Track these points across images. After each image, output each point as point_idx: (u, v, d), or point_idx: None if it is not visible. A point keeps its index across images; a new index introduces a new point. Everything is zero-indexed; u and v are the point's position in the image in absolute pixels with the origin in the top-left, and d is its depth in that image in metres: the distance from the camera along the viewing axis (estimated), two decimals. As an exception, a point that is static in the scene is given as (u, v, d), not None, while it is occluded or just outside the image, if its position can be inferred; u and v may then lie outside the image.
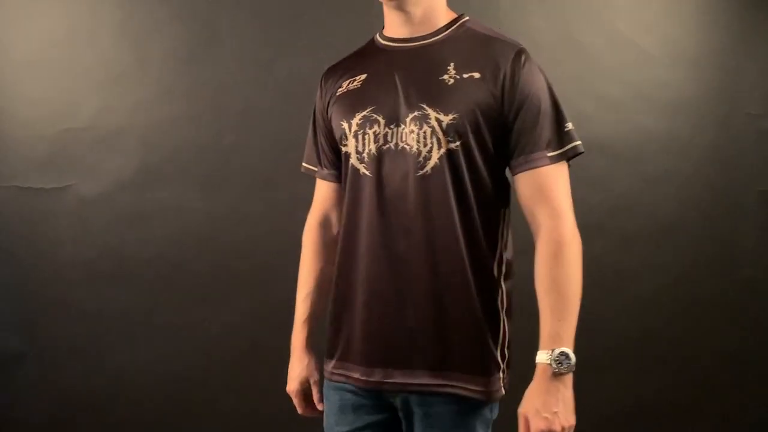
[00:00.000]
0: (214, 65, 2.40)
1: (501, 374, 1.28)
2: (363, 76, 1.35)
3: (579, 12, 2.62)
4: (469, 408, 1.24)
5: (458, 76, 1.25)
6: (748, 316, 2.77)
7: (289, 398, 2.49)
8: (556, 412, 1.15)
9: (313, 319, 1.51)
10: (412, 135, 1.25)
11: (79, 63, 2.35)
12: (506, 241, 1.32)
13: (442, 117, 1.23)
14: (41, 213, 2.34)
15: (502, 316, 1.30)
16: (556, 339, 1.17)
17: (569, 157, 1.24)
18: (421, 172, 1.25)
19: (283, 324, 2.46)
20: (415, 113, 1.25)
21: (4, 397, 2.34)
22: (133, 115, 2.37)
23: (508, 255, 1.33)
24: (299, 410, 1.49)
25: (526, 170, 1.23)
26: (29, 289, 2.34)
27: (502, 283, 1.31)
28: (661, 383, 2.69)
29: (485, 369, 1.25)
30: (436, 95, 1.25)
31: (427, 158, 1.24)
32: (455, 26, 1.32)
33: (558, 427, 1.14)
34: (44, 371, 2.34)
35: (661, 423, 2.70)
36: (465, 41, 1.30)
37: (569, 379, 1.17)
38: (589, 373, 2.64)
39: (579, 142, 1.25)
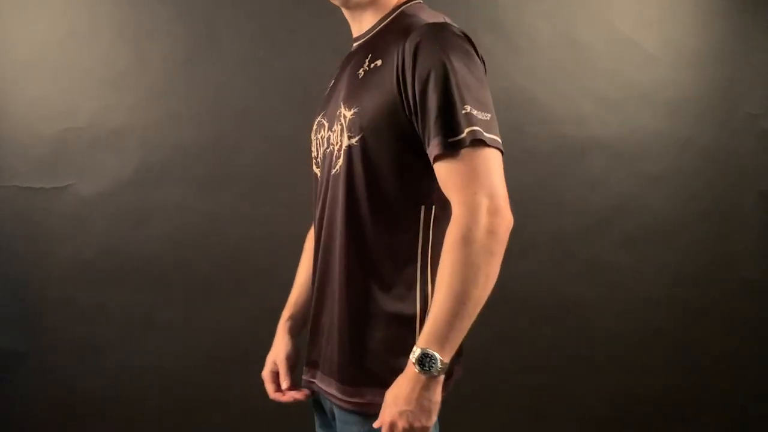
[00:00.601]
0: (214, 65, 2.40)
1: None
2: (331, 83, 1.37)
3: (579, 12, 2.63)
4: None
5: (368, 68, 1.19)
6: (748, 316, 2.77)
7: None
8: (405, 411, 1.07)
9: (295, 306, 1.47)
10: (334, 135, 1.23)
11: (79, 63, 2.35)
12: (430, 242, 1.18)
13: (346, 113, 1.19)
14: (41, 213, 2.34)
15: (416, 320, 1.17)
16: (428, 338, 1.06)
17: (475, 140, 1.09)
18: (333, 171, 1.22)
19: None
20: (337, 112, 1.23)
21: (4, 396, 2.34)
22: (133, 115, 2.37)
23: (434, 257, 1.17)
24: (269, 394, 1.40)
25: (435, 161, 1.11)
26: (29, 289, 2.34)
27: (426, 289, 1.18)
28: (661, 383, 2.70)
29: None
30: (349, 91, 1.21)
31: (338, 156, 1.21)
32: (393, 15, 1.25)
33: (404, 424, 1.07)
34: (44, 371, 2.34)
35: (661, 423, 2.70)
36: (390, 29, 1.22)
37: (435, 382, 1.07)
38: (589, 373, 2.65)
39: (476, 128, 1.08)
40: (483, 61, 1.19)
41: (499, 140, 1.12)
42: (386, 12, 1.26)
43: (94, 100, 2.36)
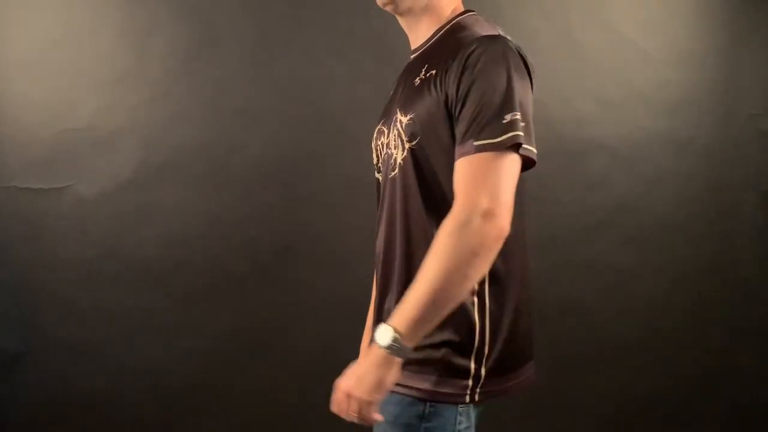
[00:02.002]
0: (214, 65, 2.40)
1: (469, 380, 1.22)
2: (391, 93, 1.43)
3: (579, 12, 2.63)
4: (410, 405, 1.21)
5: (423, 76, 1.25)
6: (748, 316, 2.77)
7: (288, 398, 2.49)
8: (352, 378, 1.13)
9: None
10: (392, 140, 1.28)
11: (78, 63, 2.35)
12: None
13: (403, 118, 1.24)
14: (41, 213, 2.33)
15: (475, 319, 1.21)
16: (395, 316, 1.12)
17: (505, 147, 1.12)
18: (392, 174, 1.28)
19: (282, 323, 2.46)
20: (393, 118, 1.28)
21: (3, 396, 2.34)
22: (133, 115, 2.37)
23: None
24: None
25: (457, 160, 1.15)
26: (29, 289, 2.34)
27: (480, 286, 1.22)
28: (661, 383, 2.70)
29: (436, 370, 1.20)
30: (405, 98, 1.27)
31: (396, 160, 1.26)
32: (449, 26, 1.30)
33: (345, 389, 1.13)
34: (44, 371, 2.34)
35: (661, 423, 2.71)
36: (446, 42, 1.27)
37: (382, 357, 1.11)
38: (589, 372, 2.65)
39: (519, 133, 1.13)
40: (531, 77, 1.22)
41: (531, 149, 1.15)
42: (442, 23, 1.31)
43: (93, 100, 2.36)
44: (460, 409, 1.22)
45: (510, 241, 1.18)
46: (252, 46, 2.43)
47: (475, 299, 1.21)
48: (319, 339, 2.43)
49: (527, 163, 1.18)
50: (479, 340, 1.21)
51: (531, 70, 1.23)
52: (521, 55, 1.22)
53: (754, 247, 2.78)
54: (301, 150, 2.44)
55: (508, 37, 1.23)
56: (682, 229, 2.70)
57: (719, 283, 2.74)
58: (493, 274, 1.22)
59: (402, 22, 1.36)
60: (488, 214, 1.10)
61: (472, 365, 1.21)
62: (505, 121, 1.13)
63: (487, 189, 1.11)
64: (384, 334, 1.11)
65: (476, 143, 1.12)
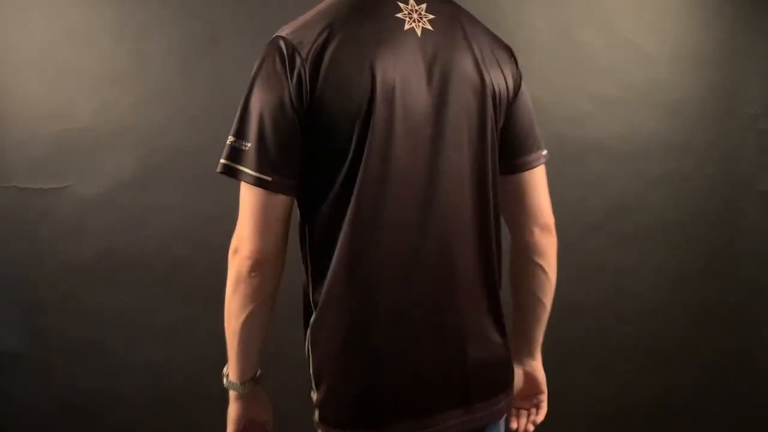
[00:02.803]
0: (214, 65, 2.40)
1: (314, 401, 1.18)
2: None
3: (579, 12, 2.62)
4: None
5: None
6: (748, 316, 2.77)
7: (288, 397, 2.49)
8: None
9: None
10: None
11: (77, 63, 2.35)
12: (310, 261, 1.20)
13: None
14: (40, 213, 2.33)
15: (307, 345, 1.19)
16: None
17: (233, 175, 1.07)
18: None
19: (281, 324, 2.46)
20: None
21: (4, 396, 2.34)
22: (132, 115, 2.37)
23: (316, 279, 1.17)
24: None
25: None
26: (29, 289, 2.34)
27: (313, 306, 1.20)
28: (661, 383, 2.69)
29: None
30: None
31: None
32: None
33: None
34: (44, 371, 2.34)
35: (661, 423, 2.70)
36: None
37: (231, 395, 1.22)
38: (589, 373, 2.65)
39: (223, 161, 1.08)
40: (294, 73, 1.10)
41: (253, 173, 1.05)
42: None
43: (92, 100, 2.35)
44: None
45: (326, 276, 1.15)
46: (252, 46, 2.42)
47: (308, 333, 1.19)
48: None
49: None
50: (315, 381, 1.17)
51: (301, 62, 1.09)
52: (281, 49, 1.10)
53: (754, 247, 2.77)
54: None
55: (287, 32, 1.12)
56: (682, 229, 2.70)
57: (719, 283, 2.74)
58: (318, 308, 1.18)
59: None
60: (231, 252, 1.12)
61: (315, 407, 1.17)
62: (227, 143, 1.08)
63: (237, 223, 1.11)
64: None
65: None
